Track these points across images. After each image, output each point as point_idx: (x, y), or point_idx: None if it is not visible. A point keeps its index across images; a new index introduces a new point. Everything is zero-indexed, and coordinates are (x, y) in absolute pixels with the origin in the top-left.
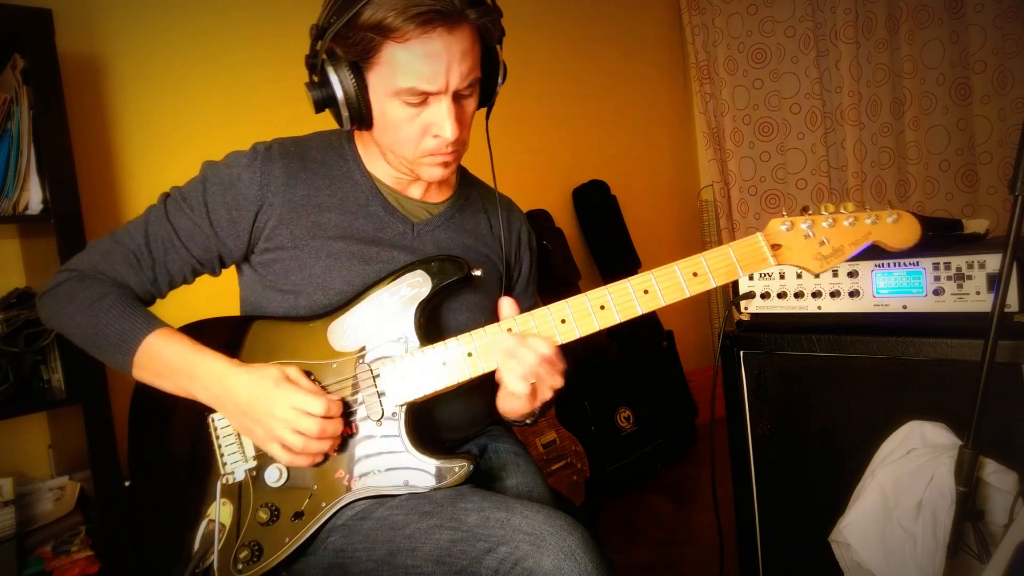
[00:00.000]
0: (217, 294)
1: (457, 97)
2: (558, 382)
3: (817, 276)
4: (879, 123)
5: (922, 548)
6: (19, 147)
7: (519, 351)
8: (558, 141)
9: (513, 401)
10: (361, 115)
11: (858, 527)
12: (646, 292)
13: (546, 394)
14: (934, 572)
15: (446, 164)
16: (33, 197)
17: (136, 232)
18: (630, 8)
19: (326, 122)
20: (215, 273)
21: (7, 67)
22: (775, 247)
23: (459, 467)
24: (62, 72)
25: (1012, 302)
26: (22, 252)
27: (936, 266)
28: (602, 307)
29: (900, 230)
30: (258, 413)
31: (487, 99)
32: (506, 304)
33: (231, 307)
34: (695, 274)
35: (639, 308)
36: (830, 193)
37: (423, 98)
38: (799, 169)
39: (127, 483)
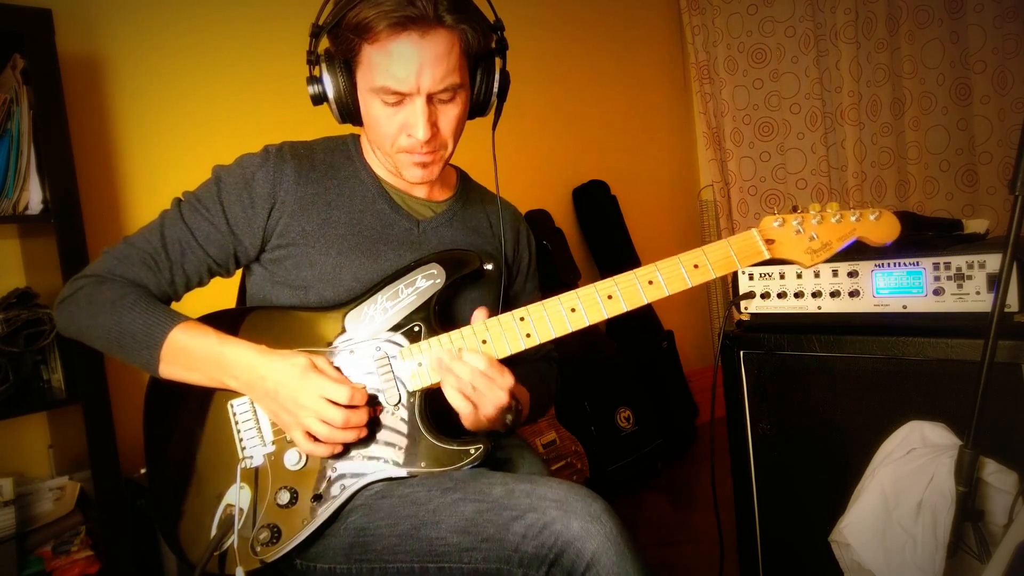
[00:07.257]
0: (229, 292)
1: (435, 101)
2: (500, 398)
3: (808, 268)
4: (879, 123)
5: (922, 548)
6: (19, 147)
7: (454, 365)
8: (558, 141)
9: (462, 417)
10: (349, 111)
11: (858, 527)
12: (651, 283)
13: (488, 410)
14: (934, 572)
15: (424, 165)
16: (33, 197)
17: (152, 236)
18: (630, 8)
19: (326, 120)
20: (229, 274)
21: (7, 67)
22: (769, 242)
23: (475, 449)
24: (62, 72)
25: (1012, 302)
26: (22, 252)
27: (936, 266)
28: (610, 296)
29: (881, 226)
30: (285, 400)
31: (482, 110)
32: (477, 313)
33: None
34: (696, 266)
35: (644, 298)
36: (830, 193)
37: (399, 98)
38: (799, 169)
39: (143, 471)
